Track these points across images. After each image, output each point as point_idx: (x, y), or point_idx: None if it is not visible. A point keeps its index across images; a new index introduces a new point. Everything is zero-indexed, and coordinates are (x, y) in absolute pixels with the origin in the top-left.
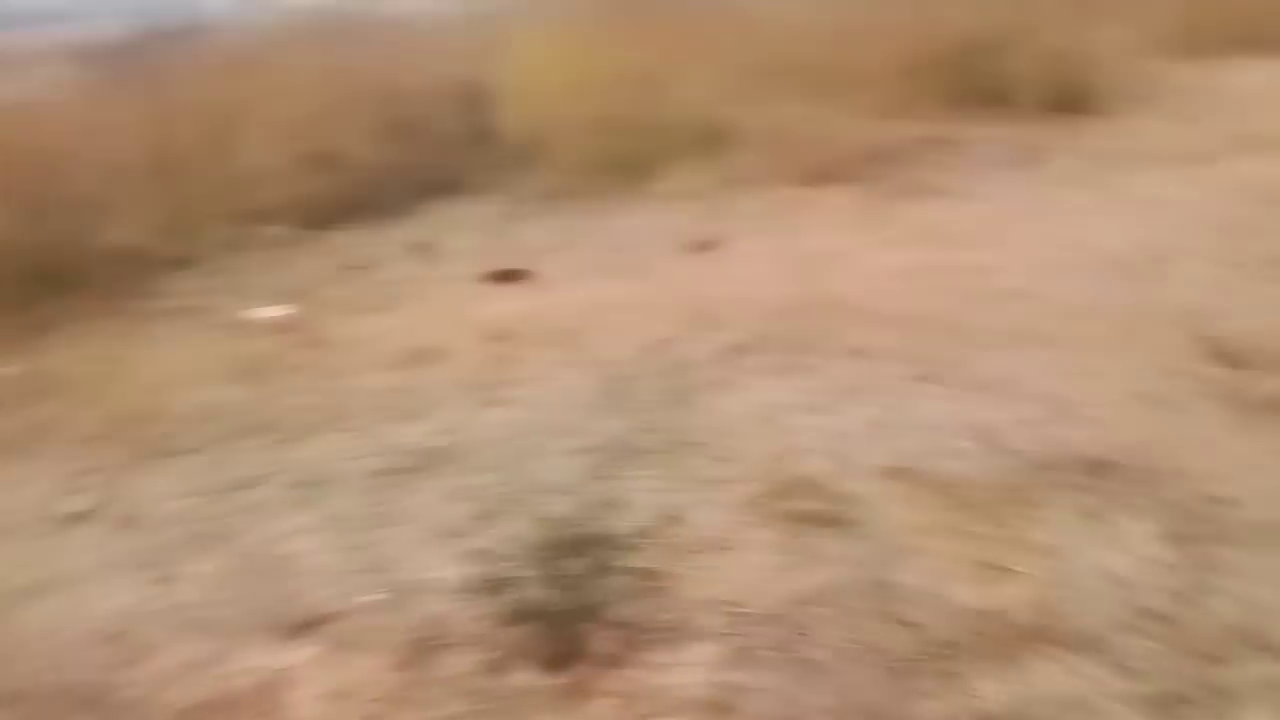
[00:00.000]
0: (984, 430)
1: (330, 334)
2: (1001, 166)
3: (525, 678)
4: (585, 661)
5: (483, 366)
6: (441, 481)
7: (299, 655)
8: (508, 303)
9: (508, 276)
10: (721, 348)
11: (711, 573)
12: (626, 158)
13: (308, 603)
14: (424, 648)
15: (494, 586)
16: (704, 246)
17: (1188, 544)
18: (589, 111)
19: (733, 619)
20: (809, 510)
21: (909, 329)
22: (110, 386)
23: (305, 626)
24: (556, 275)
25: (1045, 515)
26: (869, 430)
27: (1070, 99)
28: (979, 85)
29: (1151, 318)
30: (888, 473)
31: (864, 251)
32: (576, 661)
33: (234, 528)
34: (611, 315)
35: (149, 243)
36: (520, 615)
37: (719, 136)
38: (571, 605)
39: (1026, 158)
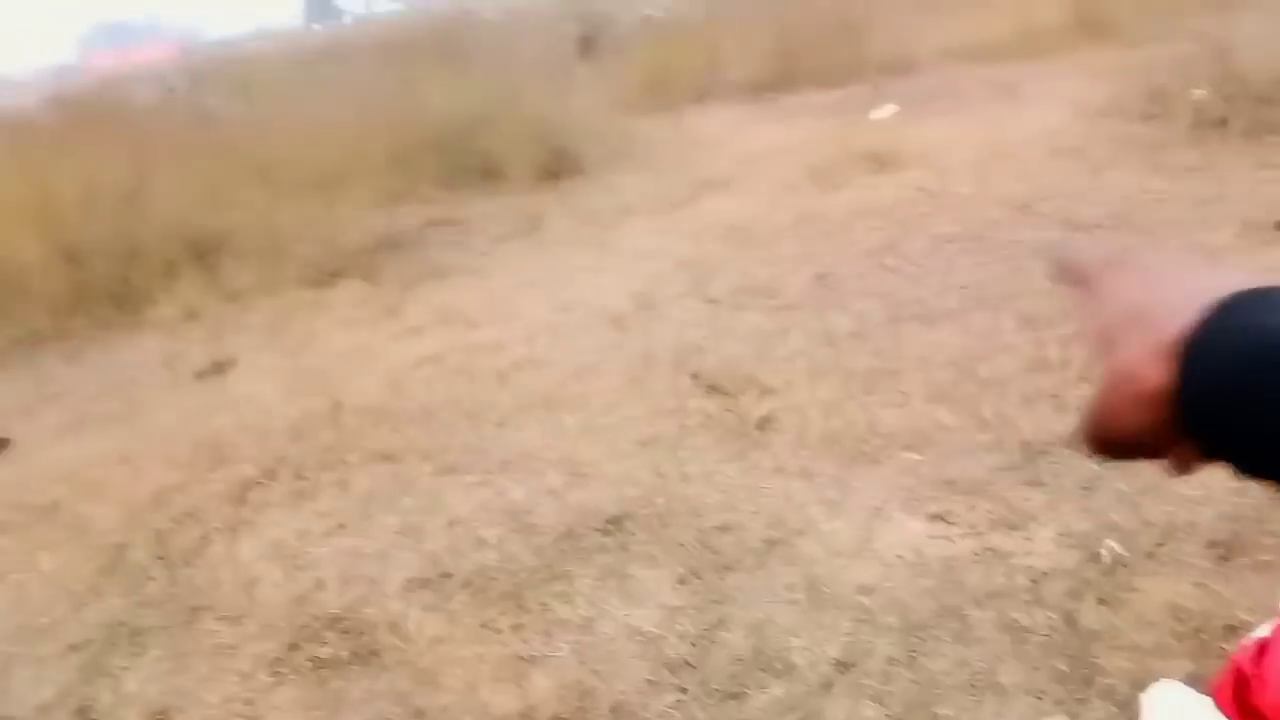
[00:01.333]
0: (509, 512)
1: None
2: (503, 239)
3: None
4: None
5: None
6: None
7: None
8: None
9: None
10: (231, 486)
11: None
12: (111, 285)
13: None
14: None
15: None
16: (207, 371)
17: (699, 582)
18: (57, 240)
19: None
20: (333, 653)
21: (428, 421)
22: None
23: None
24: (35, 437)
25: (571, 588)
26: (395, 542)
27: (557, 165)
28: (471, 164)
29: (648, 363)
30: (416, 586)
31: (376, 347)
32: None
33: None
34: (100, 473)
35: None
36: None
37: (213, 248)
38: None
39: (525, 227)
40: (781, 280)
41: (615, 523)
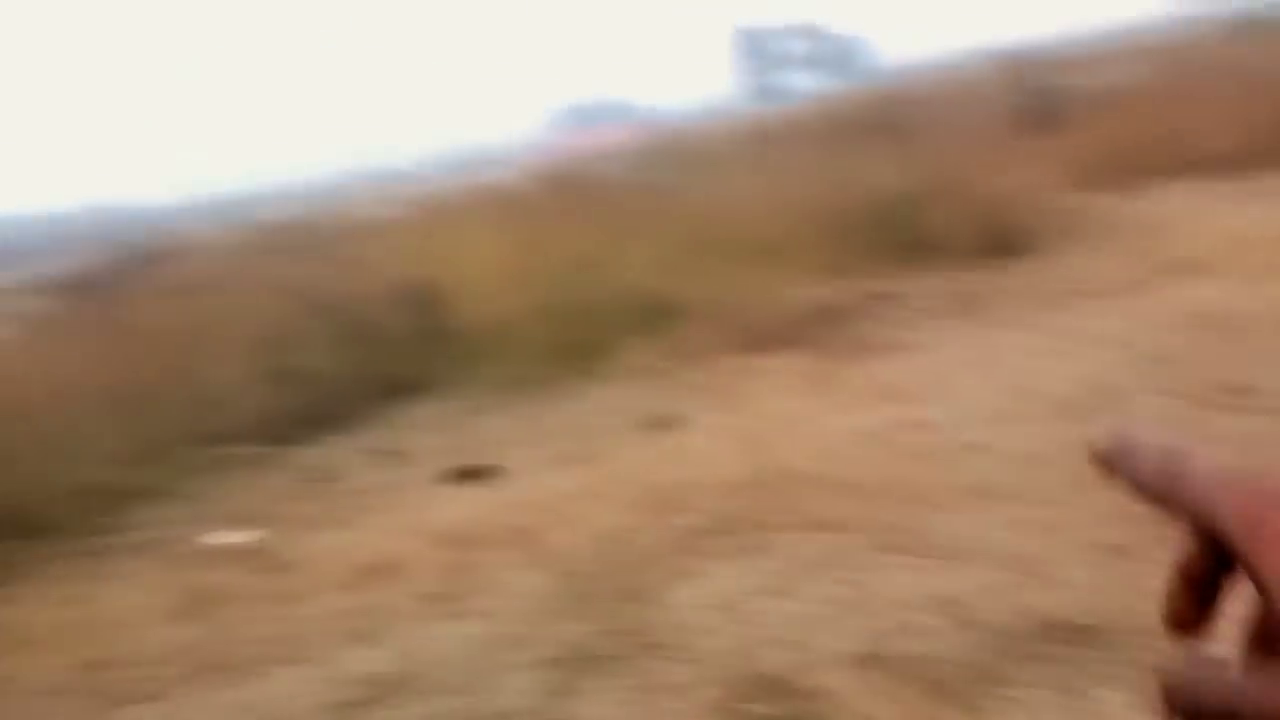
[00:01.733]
0: (950, 601)
1: (289, 555)
2: (941, 315)
3: None
4: None
5: (440, 577)
6: (393, 713)
7: None
8: (468, 504)
9: (472, 474)
10: (681, 533)
11: None
12: (578, 341)
13: None
14: None
15: None
16: (660, 424)
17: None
18: (536, 298)
19: None
20: (769, 712)
21: (867, 495)
22: (71, 632)
23: None
24: (520, 467)
25: (1019, 694)
26: (833, 612)
27: (998, 241)
28: (907, 238)
29: None
30: (853, 660)
31: (817, 416)
32: None
33: None
34: (570, 507)
35: (115, 476)
36: None
37: (664, 311)
38: None
39: (964, 305)
40: (1266, 379)
41: (1069, 632)
